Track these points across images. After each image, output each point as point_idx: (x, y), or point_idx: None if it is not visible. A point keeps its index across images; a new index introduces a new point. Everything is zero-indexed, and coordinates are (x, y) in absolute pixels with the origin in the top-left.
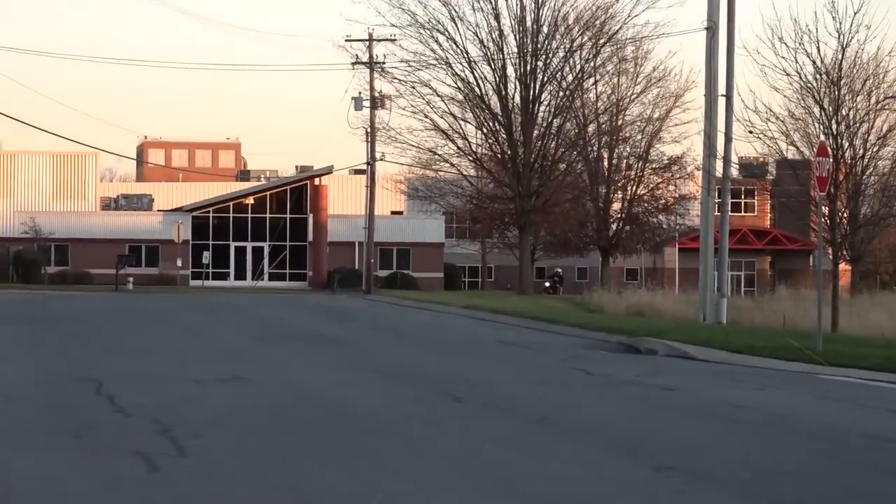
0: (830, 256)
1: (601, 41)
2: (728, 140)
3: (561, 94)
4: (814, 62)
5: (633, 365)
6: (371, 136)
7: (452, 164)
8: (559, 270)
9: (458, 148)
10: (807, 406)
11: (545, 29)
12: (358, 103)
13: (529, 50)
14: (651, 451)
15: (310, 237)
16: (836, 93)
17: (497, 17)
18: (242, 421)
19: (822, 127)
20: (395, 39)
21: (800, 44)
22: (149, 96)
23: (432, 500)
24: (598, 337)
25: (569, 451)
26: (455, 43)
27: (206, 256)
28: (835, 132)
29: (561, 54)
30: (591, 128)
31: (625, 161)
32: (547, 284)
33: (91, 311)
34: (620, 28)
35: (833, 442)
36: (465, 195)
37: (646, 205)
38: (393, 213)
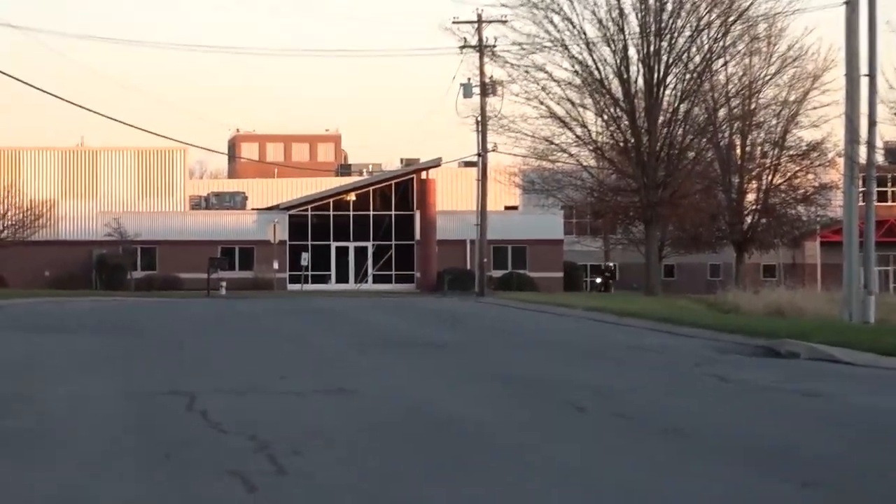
0: None
1: (731, 19)
2: (872, 123)
3: (688, 76)
4: None
5: (772, 370)
6: (482, 125)
7: (571, 155)
8: (611, 265)
9: (577, 136)
10: None
11: (669, 6)
12: (467, 90)
13: (653, 29)
14: (795, 464)
15: (417, 235)
16: None
17: None
18: (347, 436)
19: None
20: (506, 20)
21: None
22: (240, 87)
23: None
24: (734, 340)
25: (704, 466)
26: (571, 23)
27: (305, 258)
28: None
29: (687, 33)
30: (721, 112)
31: (759, 148)
32: (598, 281)
33: (181, 318)
34: (751, 4)
35: None
36: (586, 188)
37: (783, 195)
38: (507, 208)
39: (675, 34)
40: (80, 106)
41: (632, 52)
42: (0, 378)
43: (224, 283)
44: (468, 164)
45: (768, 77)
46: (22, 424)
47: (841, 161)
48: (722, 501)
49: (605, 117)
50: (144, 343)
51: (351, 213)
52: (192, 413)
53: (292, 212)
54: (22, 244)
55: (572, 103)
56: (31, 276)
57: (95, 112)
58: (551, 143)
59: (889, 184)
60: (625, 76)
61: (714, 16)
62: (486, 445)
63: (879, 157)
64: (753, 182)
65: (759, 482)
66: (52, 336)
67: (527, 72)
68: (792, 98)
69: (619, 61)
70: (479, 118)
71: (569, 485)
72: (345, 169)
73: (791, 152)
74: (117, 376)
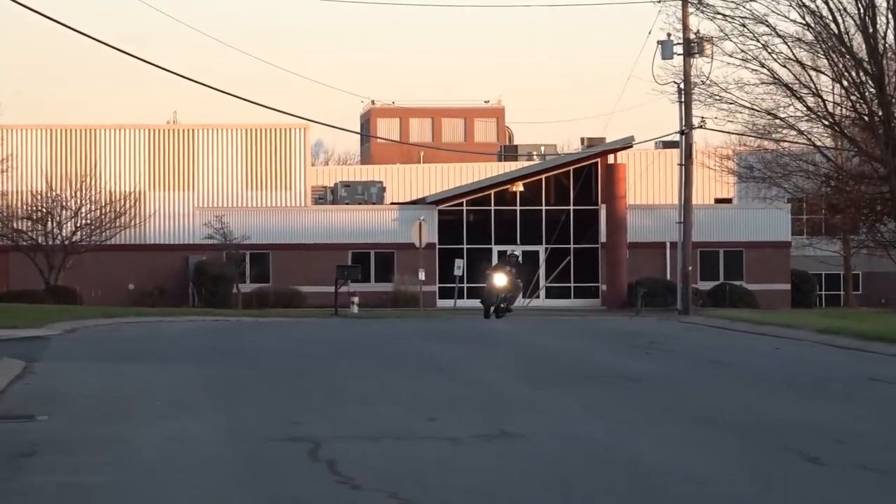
0: None
1: None
2: None
3: None
4: None
5: None
6: (685, 94)
7: (800, 132)
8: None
9: (808, 108)
10: None
11: None
12: (666, 49)
13: None
14: None
15: (602, 237)
16: None
17: None
18: (516, 494)
19: None
20: None
21: None
22: (374, 49)
23: None
24: None
25: None
26: None
27: (459, 266)
28: None
29: None
30: None
31: None
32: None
33: (302, 343)
34: None
35: None
36: (819, 175)
37: None
38: (717, 201)
39: None
40: (173, 72)
41: None
42: (73, 420)
43: (356, 299)
44: (667, 144)
45: None
46: (101, 479)
47: None
48: None
49: (845, 83)
50: (256, 374)
51: (518, 207)
52: (317, 463)
53: (443, 207)
54: (99, 249)
55: (802, 66)
56: (110, 290)
57: (191, 80)
58: (775, 116)
59: None
60: (870, 30)
61: None
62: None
63: None
64: None
65: None
66: (138, 366)
67: (743, 25)
68: None
69: (862, 10)
70: (682, 85)
71: None
72: (510, 151)
73: None
74: (221, 416)
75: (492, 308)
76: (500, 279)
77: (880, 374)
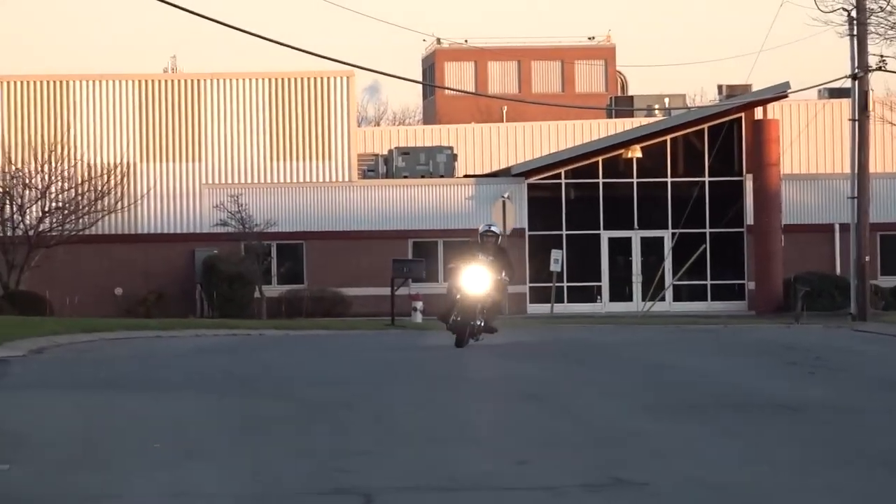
0: None
1: None
2: None
3: None
4: None
5: None
6: (858, 24)
7: None
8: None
9: None
10: None
11: None
12: None
13: None
14: None
15: (748, 218)
16: None
17: None
18: None
19: None
20: None
21: None
22: None
23: None
24: None
25: None
26: None
27: (557, 259)
28: None
29: None
30: None
31: None
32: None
33: (348, 364)
34: None
35: None
36: None
37: None
38: None
39: None
40: (171, 3)
41: None
42: (42, 469)
43: (420, 305)
44: (833, 93)
45: None
46: None
47: None
48: None
49: None
50: (286, 409)
51: (635, 180)
52: None
53: (534, 179)
54: (75, 242)
55: None
56: (91, 296)
57: (197, 14)
58: None
59: None
60: None
61: None
62: None
63: None
64: None
65: None
66: (129, 397)
67: None
68: None
69: None
70: (854, 13)
71: None
72: (623, 104)
73: None
74: (241, 462)
75: (467, 331)
76: (477, 279)
77: None
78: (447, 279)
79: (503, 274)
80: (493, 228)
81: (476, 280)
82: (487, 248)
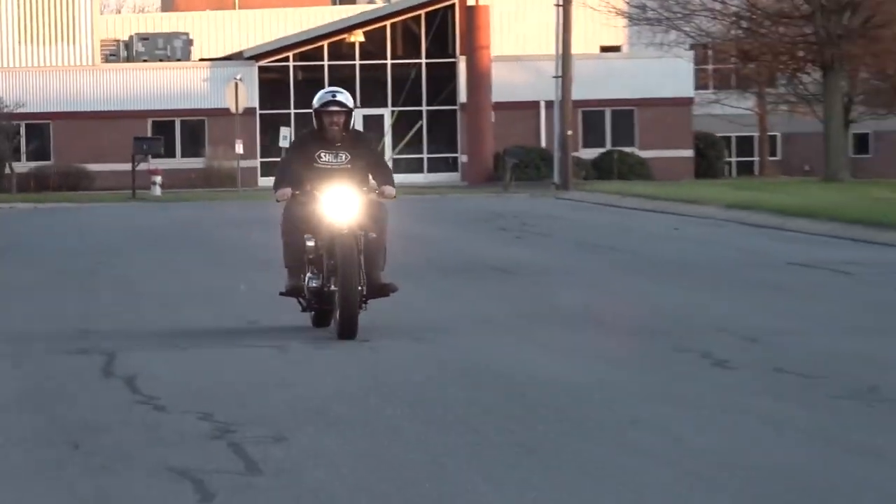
0: None
1: None
2: None
3: None
4: None
5: None
6: None
7: None
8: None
9: None
10: None
11: None
12: None
13: None
14: None
15: (462, 96)
16: None
17: None
18: (353, 409)
19: None
20: None
21: None
22: None
23: None
24: None
25: None
26: None
27: (286, 136)
28: None
29: None
30: None
31: None
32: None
33: (93, 234)
34: None
35: None
36: (729, 14)
37: None
38: (604, 49)
39: None
40: None
41: None
42: None
43: (158, 179)
44: None
45: None
46: None
47: None
48: None
49: None
50: (36, 275)
51: (357, 62)
52: (113, 380)
53: (264, 62)
54: None
55: None
56: None
57: None
58: None
59: None
60: None
61: None
62: (576, 415)
63: None
64: None
65: None
66: None
67: None
68: None
69: None
70: None
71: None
72: None
73: None
74: None
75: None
76: (338, 204)
77: (802, 258)
78: (282, 219)
79: (376, 182)
80: (339, 97)
81: (337, 206)
82: (336, 136)
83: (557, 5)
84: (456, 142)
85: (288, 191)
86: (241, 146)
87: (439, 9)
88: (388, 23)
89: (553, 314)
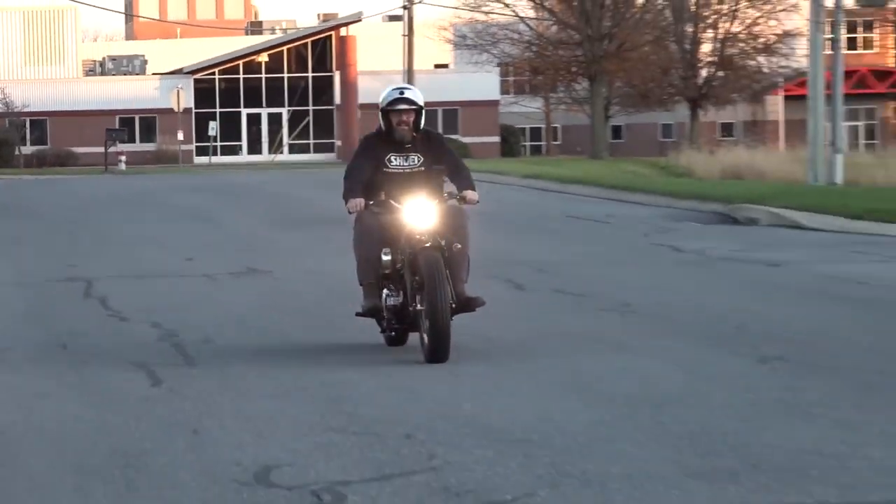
0: None
1: None
2: None
3: None
4: None
5: (729, 238)
6: None
7: (506, 5)
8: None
9: None
10: None
11: None
12: None
13: None
14: (754, 339)
15: (337, 99)
16: None
17: None
18: (263, 320)
19: None
20: None
21: None
22: None
23: None
24: (688, 206)
25: (656, 343)
26: None
27: (213, 127)
28: None
29: None
30: None
31: None
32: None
33: (76, 198)
34: None
35: None
36: (523, 41)
37: (742, 45)
38: (437, 66)
39: None
40: None
41: None
42: None
43: (123, 158)
44: (393, 18)
45: None
46: None
47: (806, 5)
48: (673, 376)
49: None
50: (36, 226)
51: (263, 75)
52: (91, 300)
53: (198, 76)
54: None
55: None
56: None
57: None
58: None
59: (859, 29)
60: None
61: None
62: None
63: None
64: (709, 31)
65: (715, 358)
66: None
67: None
68: None
69: None
70: None
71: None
72: (256, 27)
73: None
74: (6, 263)
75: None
76: (415, 212)
77: (576, 212)
78: (354, 232)
79: (456, 186)
80: (407, 94)
81: (417, 216)
82: (406, 137)
83: (404, 35)
84: (333, 131)
85: (361, 201)
86: (182, 135)
87: (321, 38)
88: (285, 48)
89: None
